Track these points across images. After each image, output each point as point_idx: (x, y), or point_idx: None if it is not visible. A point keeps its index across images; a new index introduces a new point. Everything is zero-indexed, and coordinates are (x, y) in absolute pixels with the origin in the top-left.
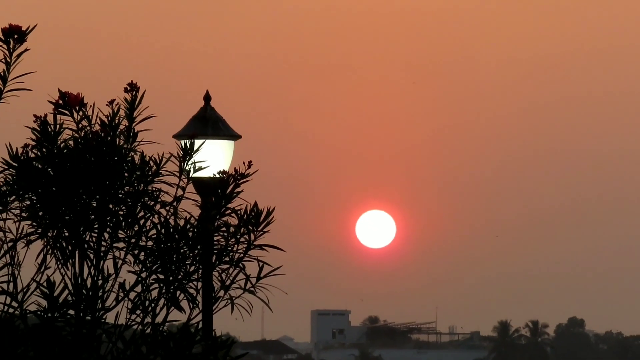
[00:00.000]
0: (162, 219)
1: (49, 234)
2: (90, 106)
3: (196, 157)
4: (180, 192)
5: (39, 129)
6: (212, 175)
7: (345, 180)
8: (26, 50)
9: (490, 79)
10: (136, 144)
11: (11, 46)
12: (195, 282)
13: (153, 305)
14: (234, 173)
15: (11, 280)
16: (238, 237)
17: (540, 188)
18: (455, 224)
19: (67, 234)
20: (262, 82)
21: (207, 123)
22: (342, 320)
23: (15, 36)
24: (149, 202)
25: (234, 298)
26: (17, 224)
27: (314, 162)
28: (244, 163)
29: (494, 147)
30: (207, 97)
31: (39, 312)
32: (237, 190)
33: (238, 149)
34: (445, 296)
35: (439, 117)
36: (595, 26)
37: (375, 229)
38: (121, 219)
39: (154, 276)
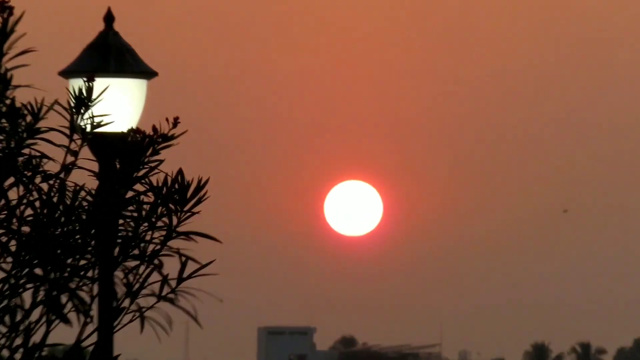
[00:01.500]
0: (44, 196)
1: None
2: None
3: (95, 106)
4: (70, 157)
5: None
6: (116, 131)
7: (309, 140)
8: None
9: (489, 35)
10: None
11: None
12: (89, 285)
13: (26, 317)
14: (151, 133)
15: None
16: (153, 220)
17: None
18: (467, 200)
19: None
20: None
21: (109, 54)
22: (303, 342)
23: None
24: (24, 172)
25: (144, 309)
26: None
27: (262, 114)
28: (167, 120)
29: (510, 98)
30: (109, 17)
31: None
32: (154, 157)
33: (152, 92)
34: (454, 308)
35: (435, 65)
36: None
37: (353, 208)
38: None
39: (27, 270)
